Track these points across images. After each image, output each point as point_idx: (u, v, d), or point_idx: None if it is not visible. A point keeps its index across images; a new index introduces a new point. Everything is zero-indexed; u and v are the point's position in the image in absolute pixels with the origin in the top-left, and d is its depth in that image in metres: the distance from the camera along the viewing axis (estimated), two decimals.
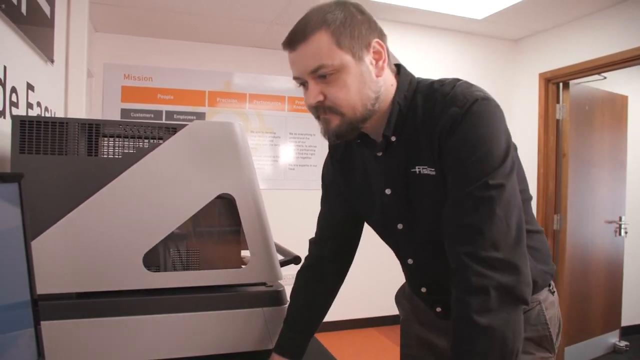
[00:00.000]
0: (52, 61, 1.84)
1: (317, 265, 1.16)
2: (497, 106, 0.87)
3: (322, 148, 4.10)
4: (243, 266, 1.11)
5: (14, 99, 1.34)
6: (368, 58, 0.89)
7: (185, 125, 1.05)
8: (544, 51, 3.40)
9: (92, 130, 1.02)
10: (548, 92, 3.35)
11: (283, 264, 1.17)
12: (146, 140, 1.06)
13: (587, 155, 3.42)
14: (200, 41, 3.83)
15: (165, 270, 1.07)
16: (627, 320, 3.88)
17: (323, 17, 0.87)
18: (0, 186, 0.70)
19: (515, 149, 0.96)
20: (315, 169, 4.15)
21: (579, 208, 3.36)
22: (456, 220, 0.84)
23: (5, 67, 1.26)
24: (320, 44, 0.86)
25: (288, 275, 1.13)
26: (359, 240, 1.19)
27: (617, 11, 2.89)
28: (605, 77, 3.39)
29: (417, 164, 0.92)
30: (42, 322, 0.77)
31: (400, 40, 3.28)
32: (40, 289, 0.84)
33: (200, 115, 3.85)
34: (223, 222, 1.12)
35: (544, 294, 1.04)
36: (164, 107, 3.77)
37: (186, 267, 1.08)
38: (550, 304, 1.04)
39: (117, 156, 1.04)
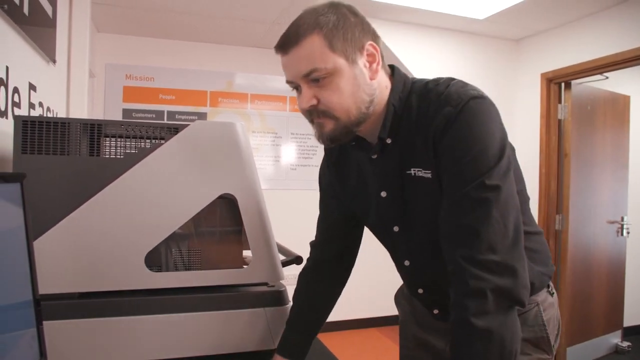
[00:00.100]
0: (54, 61, 1.84)
1: (318, 268, 1.16)
2: (492, 105, 0.86)
3: (323, 148, 4.09)
4: (245, 266, 1.11)
5: (16, 99, 1.34)
6: (362, 61, 0.88)
7: (187, 125, 1.05)
8: (546, 51, 3.39)
9: (94, 130, 1.02)
10: (550, 92, 3.35)
11: (285, 264, 1.17)
12: (148, 141, 1.06)
13: (589, 156, 3.41)
14: (202, 41, 3.83)
15: (167, 270, 1.07)
16: (629, 320, 3.87)
17: (315, 19, 0.85)
18: (3, 186, 0.70)
19: (513, 150, 0.95)
20: (316, 169, 4.12)
21: (580, 208, 3.35)
22: (453, 222, 0.84)
23: (7, 68, 1.26)
24: (313, 48, 0.84)
25: (290, 275, 1.14)
26: (359, 243, 1.18)
27: (619, 11, 2.88)
28: (607, 77, 3.38)
29: (413, 166, 0.92)
30: (44, 322, 0.77)
31: (402, 41, 3.28)
32: (43, 289, 0.84)
33: (202, 116, 3.85)
34: (225, 222, 1.12)
35: (542, 295, 1.03)
36: (166, 107, 3.77)
37: (188, 267, 1.08)
38: (548, 305, 1.04)
39: (119, 156, 1.04)
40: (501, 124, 0.86)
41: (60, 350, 0.94)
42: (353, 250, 1.18)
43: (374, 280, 3.89)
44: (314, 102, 0.87)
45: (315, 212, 1.19)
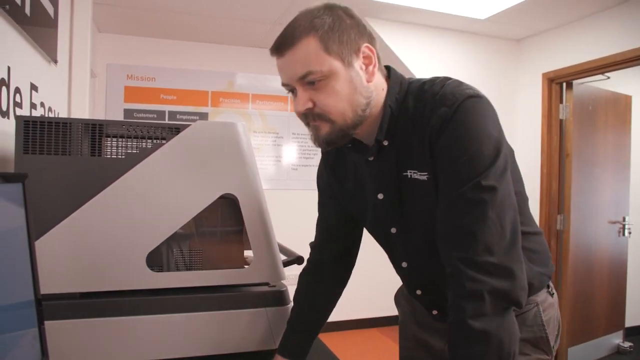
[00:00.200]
0: (55, 62, 1.85)
1: (317, 269, 1.16)
2: (488, 103, 0.86)
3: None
4: (246, 266, 1.11)
5: (17, 99, 1.35)
6: (358, 63, 0.87)
7: (188, 125, 1.05)
8: (547, 51, 3.39)
9: (96, 130, 1.02)
10: (551, 92, 3.35)
11: (286, 264, 1.17)
12: (149, 141, 1.06)
13: (590, 156, 3.41)
14: (203, 41, 3.83)
15: (169, 270, 1.07)
16: (630, 320, 3.87)
17: (311, 22, 0.84)
18: (4, 186, 0.70)
19: (512, 152, 0.95)
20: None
21: (582, 208, 3.35)
22: (449, 223, 0.83)
23: (9, 68, 1.27)
24: (308, 50, 0.84)
25: (291, 275, 1.13)
26: (358, 244, 1.18)
27: (621, 11, 2.88)
28: (609, 77, 3.38)
29: (409, 167, 0.91)
30: (45, 322, 0.78)
31: (403, 41, 3.28)
32: (44, 289, 0.85)
33: (203, 116, 3.86)
34: (226, 222, 1.12)
35: (542, 295, 1.03)
36: (167, 108, 3.77)
37: (189, 267, 1.08)
38: (548, 306, 1.03)
39: (120, 156, 1.04)
40: (498, 123, 0.85)
41: (62, 350, 0.94)
42: (352, 251, 1.18)
43: (374, 281, 3.89)
44: (310, 105, 0.87)
45: (317, 213, 1.19)
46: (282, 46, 0.86)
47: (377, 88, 0.91)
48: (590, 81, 3.40)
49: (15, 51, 1.35)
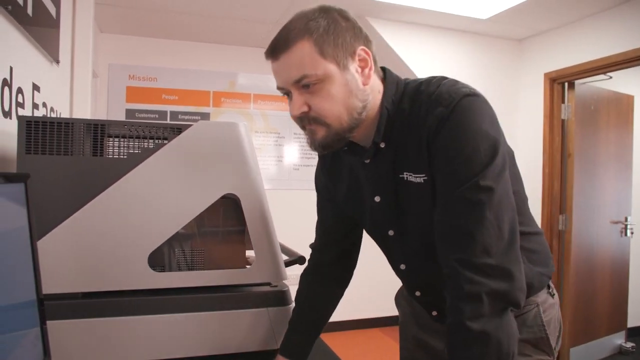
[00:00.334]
0: (57, 62, 1.85)
1: (318, 271, 1.16)
2: (485, 102, 0.85)
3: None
4: (248, 266, 1.11)
5: (20, 99, 1.35)
6: (353, 66, 0.86)
7: (190, 125, 1.05)
8: (549, 51, 3.38)
9: (98, 130, 1.02)
10: (553, 92, 3.34)
11: (288, 264, 1.17)
12: (151, 141, 1.06)
13: (592, 156, 3.40)
14: (205, 42, 3.83)
15: (170, 270, 1.07)
16: (633, 321, 3.86)
17: (305, 25, 0.84)
18: (7, 186, 0.70)
19: (512, 153, 0.94)
20: None
21: (584, 208, 3.35)
22: (447, 224, 0.83)
23: (11, 68, 1.27)
24: (303, 54, 0.83)
25: (292, 275, 1.13)
26: (359, 245, 1.18)
27: (623, 11, 2.87)
28: (611, 77, 3.37)
29: (406, 170, 0.90)
30: (48, 322, 0.78)
31: (405, 41, 3.28)
32: (46, 289, 0.85)
33: (205, 116, 3.86)
34: (228, 222, 1.12)
35: (542, 296, 1.02)
36: (169, 108, 3.78)
37: (191, 267, 1.08)
38: (549, 307, 1.03)
39: (122, 156, 1.04)
40: (495, 122, 0.85)
41: (64, 350, 0.94)
42: (353, 252, 1.18)
43: (376, 280, 3.88)
44: (305, 108, 0.86)
45: None
46: (276, 49, 0.86)
47: (374, 90, 0.90)
48: (592, 81, 3.40)
49: (18, 51, 1.35)
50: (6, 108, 1.23)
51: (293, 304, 1.13)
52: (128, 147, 1.04)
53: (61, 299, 0.96)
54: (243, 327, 1.06)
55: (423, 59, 3.33)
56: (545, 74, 3.38)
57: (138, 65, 3.71)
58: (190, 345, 1.03)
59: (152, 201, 1.02)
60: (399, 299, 1.28)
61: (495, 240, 0.79)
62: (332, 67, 0.84)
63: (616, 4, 2.88)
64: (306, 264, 1.20)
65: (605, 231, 3.52)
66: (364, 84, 0.88)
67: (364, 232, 1.16)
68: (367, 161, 0.96)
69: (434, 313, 1.08)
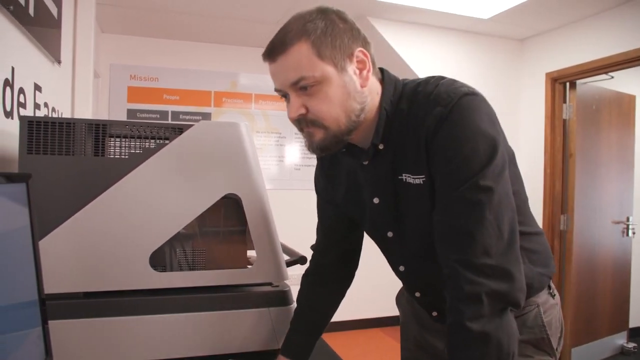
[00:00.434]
0: (59, 62, 1.85)
1: (319, 272, 1.16)
2: (484, 101, 0.84)
3: None
4: (249, 266, 1.12)
5: (21, 99, 1.35)
6: (351, 68, 0.86)
7: (191, 125, 1.05)
8: (551, 51, 3.38)
9: (99, 130, 1.02)
10: (555, 92, 3.34)
11: (289, 264, 1.17)
12: (152, 141, 1.06)
13: (594, 155, 3.40)
14: (206, 42, 3.83)
15: (172, 270, 1.07)
16: (635, 321, 3.85)
17: (303, 26, 0.83)
18: (9, 186, 0.70)
19: (512, 154, 0.94)
20: None
21: (585, 208, 3.34)
22: (446, 224, 0.83)
23: (13, 68, 1.27)
24: (300, 56, 0.82)
25: (294, 275, 1.13)
26: (360, 246, 1.18)
27: (625, 10, 2.87)
28: (612, 77, 3.37)
29: (404, 171, 0.90)
30: (49, 322, 0.78)
31: (406, 40, 3.27)
32: (48, 289, 0.85)
33: (206, 116, 3.86)
34: (229, 222, 1.12)
35: (542, 297, 1.02)
36: (170, 108, 3.78)
37: (192, 267, 1.08)
38: (549, 307, 1.02)
39: (123, 156, 1.04)
40: (494, 121, 0.84)
41: (66, 350, 0.94)
42: (354, 253, 1.17)
43: (377, 280, 3.88)
44: (303, 111, 0.86)
45: None
46: (274, 51, 0.85)
47: (372, 92, 0.90)
48: (594, 81, 3.39)
49: (19, 51, 1.36)
50: (8, 108, 1.24)
51: (294, 304, 1.13)
52: (129, 147, 1.04)
53: (63, 299, 0.96)
54: (244, 327, 1.06)
55: (424, 58, 3.33)
56: (547, 74, 3.37)
57: (139, 66, 3.71)
58: (191, 345, 1.03)
59: (154, 201, 1.02)
60: (400, 299, 1.28)
61: (495, 240, 0.78)
62: (329, 69, 0.83)
63: (617, 3, 2.88)
64: (307, 264, 1.20)
65: (606, 231, 3.51)
66: (362, 86, 0.87)
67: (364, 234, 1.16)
68: (366, 163, 0.95)
69: (434, 313, 1.08)
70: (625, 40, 2.84)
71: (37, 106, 1.53)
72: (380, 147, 0.91)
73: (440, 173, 0.84)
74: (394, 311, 1.30)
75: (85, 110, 2.25)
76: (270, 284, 1.12)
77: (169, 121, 3.75)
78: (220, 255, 1.11)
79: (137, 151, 1.04)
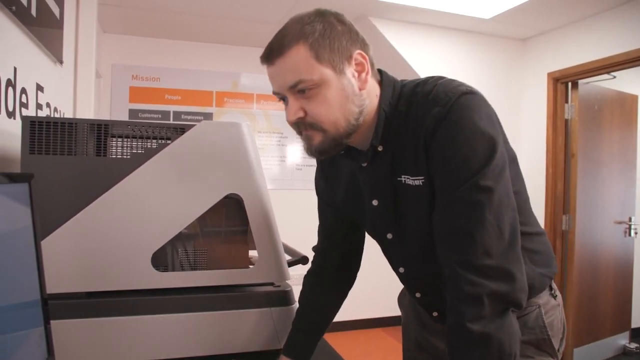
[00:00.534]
0: (61, 62, 1.85)
1: (320, 273, 1.16)
2: (483, 100, 0.84)
3: None
4: (251, 266, 1.12)
5: (23, 99, 1.35)
6: (350, 71, 0.85)
7: (193, 125, 1.05)
8: (553, 50, 3.38)
9: (101, 130, 1.02)
10: (557, 92, 3.33)
11: (291, 264, 1.17)
12: (154, 141, 1.06)
13: (596, 155, 3.39)
14: (207, 42, 3.84)
15: (174, 270, 1.07)
16: (637, 321, 3.85)
17: (301, 29, 0.82)
18: (11, 186, 0.70)
19: (514, 154, 0.93)
20: None
21: (588, 208, 3.33)
22: (446, 225, 0.82)
23: (15, 68, 1.27)
24: (298, 59, 0.82)
25: (296, 275, 1.13)
26: (361, 248, 1.17)
27: (626, 10, 2.86)
28: (614, 77, 3.36)
29: (404, 172, 0.89)
30: (51, 321, 0.78)
31: (408, 41, 3.27)
32: (50, 289, 0.85)
33: (208, 116, 3.86)
34: (231, 222, 1.12)
35: (544, 297, 1.01)
36: (172, 108, 3.78)
37: (194, 267, 1.08)
38: (551, 308, 1.01)
39: (125, 156, 1.04)
40: (494, 120, 0.84)
41: (68, 349, 0.95)
42: (355, 254, 1.17)
43: (379, 280, 3.88)
44: (301, 114, 0.85)
45: None
46: (272, 54, 0.85)
47: (371, 95, 0.89)
48: (596, 81, 3.38)
49: (21, 52, 1.36)
50: (10, 108, 1.24)
51: (296, 304, 1.13)
52: (131, 147, 1.05)
53: (65, 299, 0.96)
54: (246, 327, 1.06)
55: (426, 58, 3.32)
56: (549, 74, 3.37)
57: (141, 66, 3.71)
58: (193, 344, 1.03)
59: (155, 201, 1.02)
60: (401, 299, 1.28)
61: (495, 241, 0.78)
62: (328, 72, 0.83)
63: (619, 3, 2.87)
64: (309, 265, 1.20)
65: (609, 231, 3.51)
66: (361, 89, 0.86)
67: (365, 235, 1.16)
68: (365, 165, 0.95)
69: (435, 314, 1.08)
70: (627, 40, 2.84)
71: (39, 106, 1.53)
72: (379, 148, 0.91)
73: (440, 173, 0.83)
74: (396, 311, 1.30)
75: (87, 111, 2.26)
76: (272, 284, 1.12)
77: (171, 121, 3.76)
78: (222, 255, 1.11)
79: (139, 151, 1.05)
